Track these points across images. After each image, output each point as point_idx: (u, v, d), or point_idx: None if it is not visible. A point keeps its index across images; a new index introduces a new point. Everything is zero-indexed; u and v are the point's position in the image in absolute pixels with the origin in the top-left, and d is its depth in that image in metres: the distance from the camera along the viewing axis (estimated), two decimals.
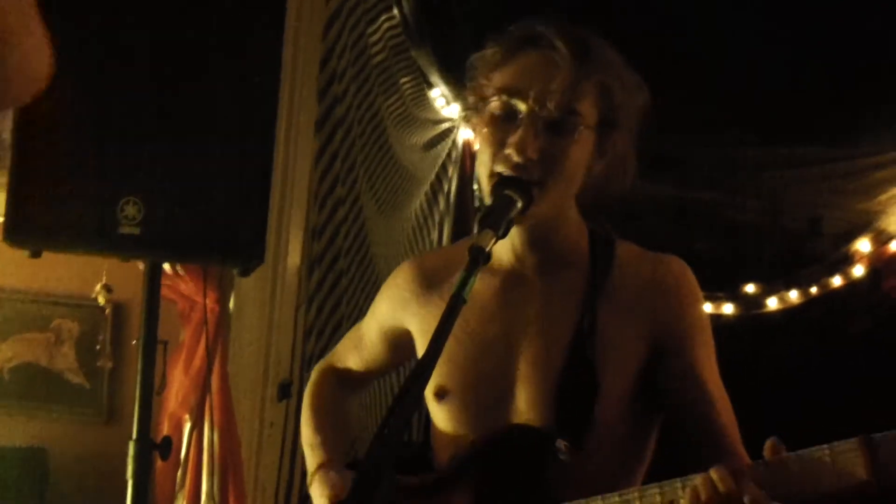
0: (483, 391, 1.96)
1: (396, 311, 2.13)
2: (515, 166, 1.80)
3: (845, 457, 1.54)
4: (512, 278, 1.97)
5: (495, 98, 1.84)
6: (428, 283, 2.08)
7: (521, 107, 1.81)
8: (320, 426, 2.19)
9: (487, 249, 1.64)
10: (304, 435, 2.21)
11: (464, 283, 1.59)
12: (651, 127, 1.94)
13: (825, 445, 1.56)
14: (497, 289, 1.97)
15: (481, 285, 1.94)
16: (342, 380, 2.30)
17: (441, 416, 2.02)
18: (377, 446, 1.41)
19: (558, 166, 1.82)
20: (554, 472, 1.86)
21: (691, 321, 1.95)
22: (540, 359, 1.93)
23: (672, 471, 1.71)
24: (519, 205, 1.75)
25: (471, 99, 1.94)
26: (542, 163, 1.80)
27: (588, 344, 1.89)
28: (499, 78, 1.86)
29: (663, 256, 2.00)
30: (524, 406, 1.93)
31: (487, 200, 1.83)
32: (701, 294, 2.01)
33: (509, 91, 1.83)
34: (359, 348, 2.26)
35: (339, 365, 2.30)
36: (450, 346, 1.92)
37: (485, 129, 1.86)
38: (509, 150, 1.80)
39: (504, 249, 1.95)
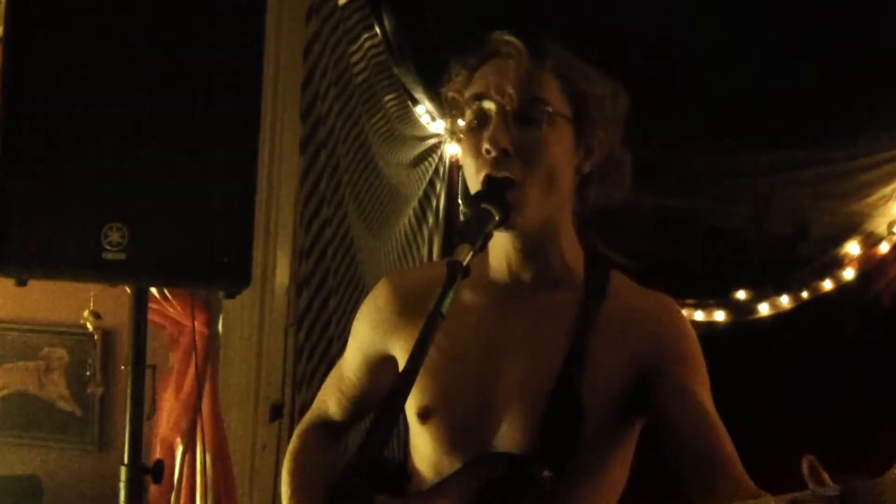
0: (467, 412, 1.93)
1: (378, 335, 2.08)
2: (494, 162, 1.80)
3: None
4: (504, 295, 1.95)
5: (468, 109, 1.87)
6: (410, 303, 2.03)
7: (490, 106, 1.83)
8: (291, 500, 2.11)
9: (465, 263, 1.64)
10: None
11: (442, 299, 1.59)
12: (633, 134, 1.95)
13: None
14: (487, 306, 1.95)
15: (473, 302, 1.95)
16: (326, 432, 2.23)
17: (424, 436, 1.98)
18: (356, 465, 1.41)
19: (536, 158, 1.82)
20: (533, 499, 1.84)
21: (683, 351, 1.92)
22: (526, 382, 1.90)
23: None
24: (496, 218, 1.75)
25: (452, 123, 1.96)
26: (519, 157, 1.80)
27: (576, 373, 1.87)
28: (468, 92, 1.89)
29: (653, 293, 2.00)
30: (507, 428, 1.90)
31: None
32: (691, 330, 1.99)
33: (477, 97, 1.86)
34: (340, 387, 2.19)
35: (322, 415, 2.23)
36: (436, 364, 1.93)
37: (465, 141, 1.87)
38: (485, 147, 1.80)
39: (499, 264, 1.94)
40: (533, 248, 1.92)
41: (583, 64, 1.90)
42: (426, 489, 1.98)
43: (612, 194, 1.96)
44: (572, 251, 1.97)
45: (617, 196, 1.97)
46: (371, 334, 2.10)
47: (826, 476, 1.51)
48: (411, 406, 1.97)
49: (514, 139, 1.81)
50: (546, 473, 1.83)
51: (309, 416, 2.27)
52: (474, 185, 1.85)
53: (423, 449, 2.00)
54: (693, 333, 1.99)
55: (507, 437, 1.91)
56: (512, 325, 1.95)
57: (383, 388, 2.14)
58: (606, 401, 1.89)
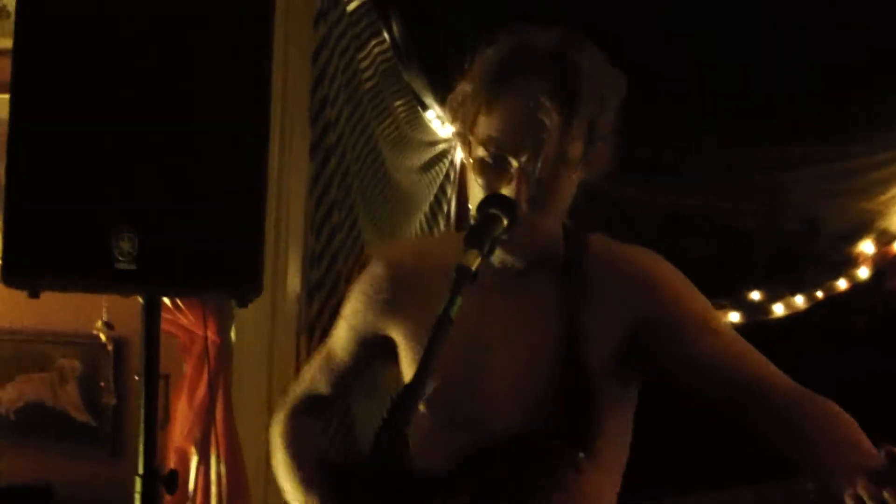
0: (464, 397, 1.95)
1: (373, 315, 2.08)
2: None
3: None
4: (492, 279, 1.92)
5: (483, 149, 1.83)
6: (405, 281, 2.04)
7: (513, 161, 1.80)
8: (308, 485, 2.11)
9: (474, 269, 1.64)
10: (291, 494, 2.13)
11: (451, 303, 1.59)
12: (641, 132, 1.95)
13: None
14: (476, 291, 1.93)
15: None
16: (313, 412, 2.23)
17: (424, 423, 1.97)
18: (372, 461, 1.42)
19: (550, 209, 1.85)
20: (555, 482, 1.86)
21: (678, 306, 1.93)
22: (523, 362, 1.92)
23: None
24: (504, 223, 1.75)
25: (457, 135, 1.96)
26: (534, 209, 1.82)
27: (578, 346, 1.88)
28: (485, 126, 1.84)
29: (634, 248, 2.00)
30: (507, 411, 1.92)
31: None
32: (676, 273, 1.98)
33: (498, 144, 1.81)
34: (330, 365, 2.18)
35: (309, 392, 2.22)
36: None
37: (475, 174, 1.86)
38: None
39: None
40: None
41: (602, 72, 1.86)
42: (439, 478, 1.97)
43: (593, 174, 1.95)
44: (555, 229, 1.97)
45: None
46: (365, 314, 2.10)
47: None
48: None
49: (532, 196, 1.81)
50: (581, 455, 1.83)
51: (295, 395, 2.25)
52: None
53: (425, 435, 1.99)
54: (678, 275, 1.98)
55: (508, 419, 1.92)
56: (501, 308, 1.96)
57: (374, 364, 2.17)
58: (609, 367, 1.90)
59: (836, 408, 1.80)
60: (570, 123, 1.79)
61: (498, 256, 1.94)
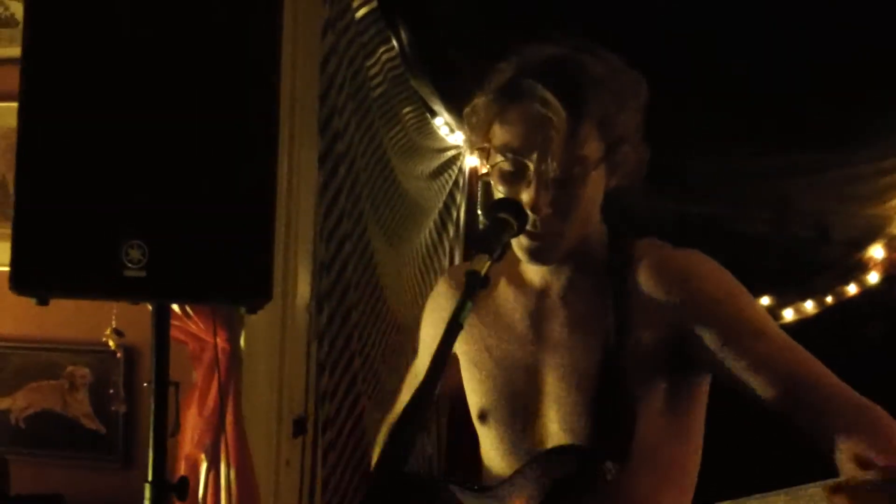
0: (519, 411, 1.98)
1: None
2: (533, 222, 1.84)
3: None
4: (540, 294, 2.00)
5: (501, 157, 1.88)
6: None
7: (529, 164, 1.83)
8: None
9: (484, 274, 1.65)
10: None
11: (461, 309, 1.60)
12: (650, 139, 1.96)
13: None
14: (527, 306, 2.00)
15: (512, 299, 2.01)
16: None
17: (485, 437, 2.05)
18: (383, 463, 1.43)
19: (573, 212, 1.86)
20: (600, 492, 1.85)
21: (721, 308, 1.90)
22: (569, 376, 1.93)
23: None
24: (514, 227, 1.77)
25: (476, 149, 2.00)
26: (556, 214, 1.84)
27: (617, 356, 1.89)
28: (499, 135, 1.89)
29: (680, 252, 1.99)
30: (557, 425, 1.93)
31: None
32: (723, 275, 1.96)
33: (513, 150, 1.85)
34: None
35: None
36: (488, 368, 2.01)
37: (496, 183, 1.89)
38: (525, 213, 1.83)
39: (534, 269, 1.99)
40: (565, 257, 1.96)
41: (614, 75, 1.87)
42: (495, 484, 1.99)
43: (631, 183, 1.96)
44: (598, 236, 1.99)
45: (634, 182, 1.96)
46: (435, 334, 2.15)
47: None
48: (472, 409, 2.06)
49: (552, 200, 1.84)
50: (608, 465, 1.83)
51: (391, 415, 2.36)
52: None
53: (486, 448, 2.07)
54: (726, 277, 1.96)
55: (557, 433, 1.94)
56: (550, 322, 1.99)
57: (458, 382, 2.20)
58: (653, 376, 1.90)
59: (884, 416, 1.75)
60: (579, 120, 1.81)
61: (538, 273, 1.98)
